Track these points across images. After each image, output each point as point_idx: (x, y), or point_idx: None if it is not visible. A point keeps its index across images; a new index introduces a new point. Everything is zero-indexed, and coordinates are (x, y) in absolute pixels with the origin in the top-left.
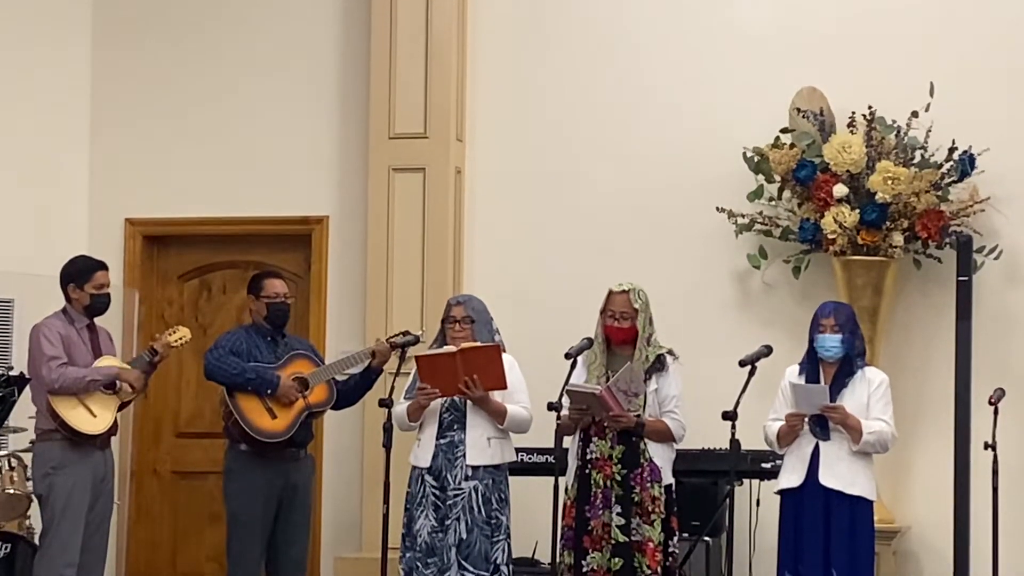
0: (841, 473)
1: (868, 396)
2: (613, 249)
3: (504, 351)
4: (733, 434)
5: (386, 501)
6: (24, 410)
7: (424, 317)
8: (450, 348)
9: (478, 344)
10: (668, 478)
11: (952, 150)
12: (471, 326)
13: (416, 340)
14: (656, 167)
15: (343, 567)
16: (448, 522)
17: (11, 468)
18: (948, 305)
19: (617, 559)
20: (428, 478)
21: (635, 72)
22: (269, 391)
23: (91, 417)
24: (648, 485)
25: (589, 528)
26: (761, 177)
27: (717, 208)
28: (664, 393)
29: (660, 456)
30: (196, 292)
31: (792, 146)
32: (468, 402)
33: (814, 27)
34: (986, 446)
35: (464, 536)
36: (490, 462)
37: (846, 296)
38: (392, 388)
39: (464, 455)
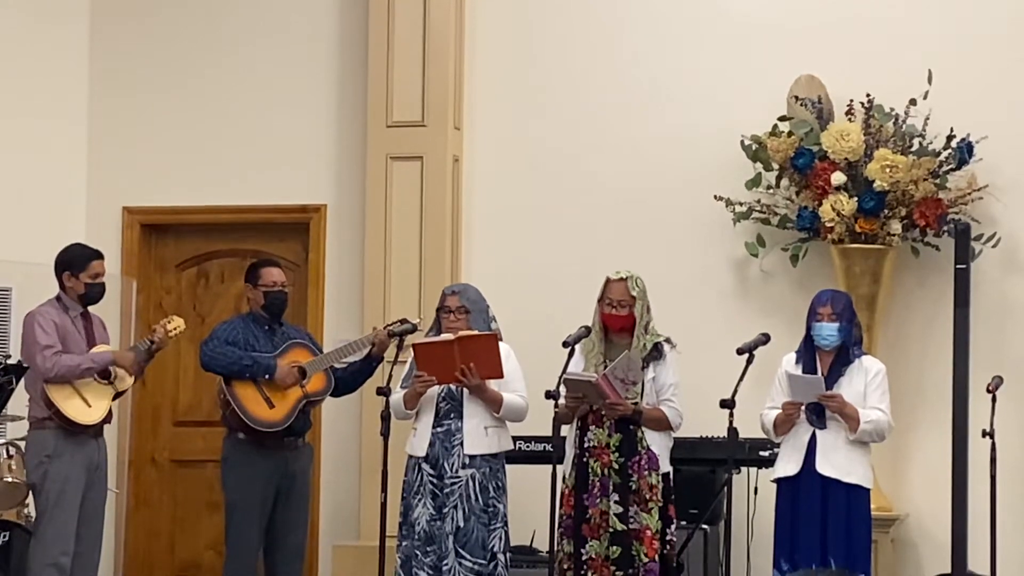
0: (838, 461)
1: (865, 385)
2: (611, 237)
3: (501, 339)
4: (731, 422)
5: (384, 489)
6: (23, 398)
7: (422, 305)
8: (447, 336)
9: (475, 332)
10: (666, 466)
11: (950, 138)
12: (466, 316)
13: (414, 328)
14: (654, 155)
15: (341, 555)
16: (445, 510)
17: (9, 456)
18: (946, 293)
19: (615, 547)
20: (425, 467)
21: (633, 60)
22: (267, 376)
23: (86, 407)
24: (646, 473)
25: (587, 516)
26: (759, 165)
27: (715, 196)
28: (661, 381)
29: (658, 444)
30: (194, 281)
31: (790, 134)
32: (464, 391)
33: (812, 15)
34: (984, 434)
35: (461, 524)
36: (487, 451)
37: (844, 284)
38: (390, 376)
39: (461, 443)
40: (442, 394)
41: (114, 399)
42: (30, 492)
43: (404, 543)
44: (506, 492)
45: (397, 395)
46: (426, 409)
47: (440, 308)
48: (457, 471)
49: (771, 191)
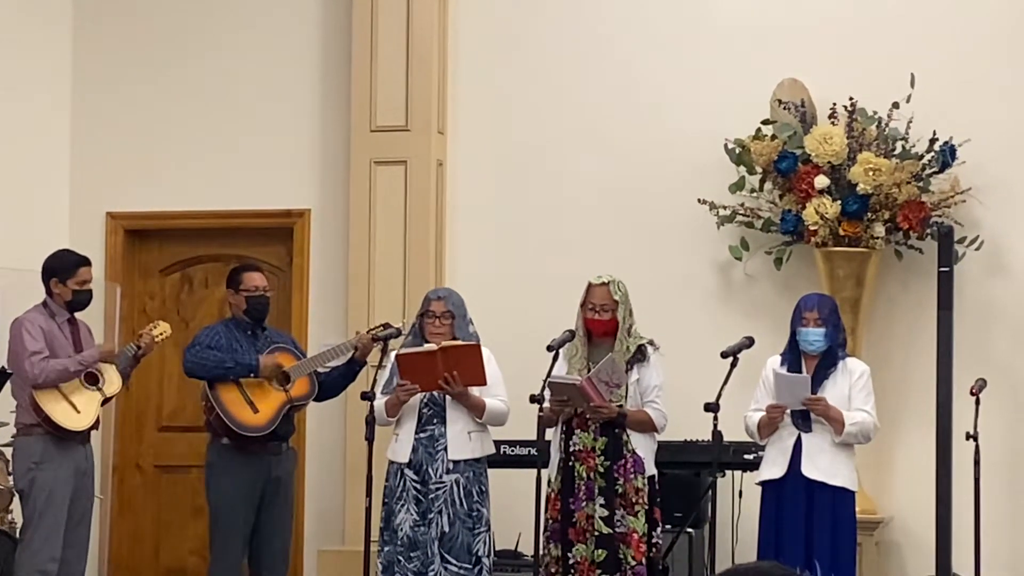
0: (823, 465)
1: (850, 387)
2: (595, 241)
3: (479, 344)
4: (715, 425)
5: (368, 494)
6: (6, 405)
7: (406, 310)
8: (431, 346)
9: (459, 343)
10: (651, 469)
11: (933, 141)
12: (451, 322)
13: (398, 333)
14: (638, 159)
15: (326, 560)
16: (430, 516)
17: None
18: (930, 296)
19: (601, 550)
20: (408, 472)
21: (616, 64)
22: (251, 375)
23: (75, 413)
24: (631, 476)
25: (573, 520)
26: (743, 169)
27: (699, 200)
28: (645, 383)
29: (643, 447)
30: (178, 286)
31: (773, 138)
32: (447, 397)
33: (795, 18)
34: (968, 436)
35: (447, 529)
36: (471, 456)
37: (828, 287)
38: (375, 381)
39: (445, 449)
40: (424, 400)
41: (103, 404)
42: (14, 498)
43: (386, 548)
44: (488, 496)
45: (378, 401)
46: (408, 415)
47: (424, 313)
48: (441, 476)
49: (755, 194)
